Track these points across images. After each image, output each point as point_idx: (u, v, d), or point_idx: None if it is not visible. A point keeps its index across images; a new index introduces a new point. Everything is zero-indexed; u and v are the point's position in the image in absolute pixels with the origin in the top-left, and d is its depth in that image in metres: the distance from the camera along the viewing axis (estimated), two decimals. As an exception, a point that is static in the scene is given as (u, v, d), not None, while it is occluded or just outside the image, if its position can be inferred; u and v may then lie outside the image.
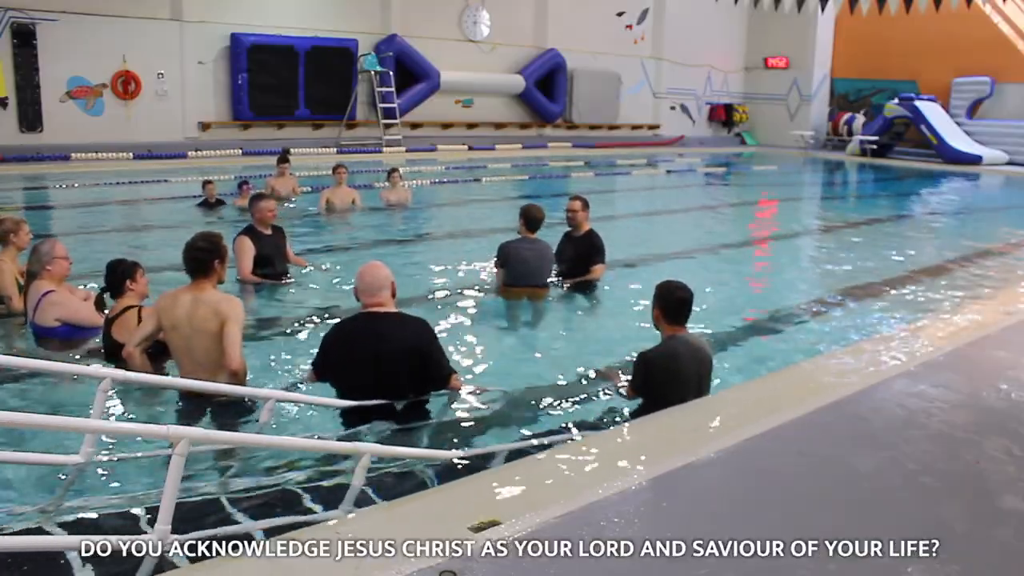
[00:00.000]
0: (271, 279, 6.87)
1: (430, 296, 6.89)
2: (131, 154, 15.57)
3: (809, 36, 26.79)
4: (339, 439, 3.80)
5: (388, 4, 20.12)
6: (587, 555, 2.38)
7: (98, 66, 16.35)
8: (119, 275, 4.70)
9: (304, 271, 7.42)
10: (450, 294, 6.96)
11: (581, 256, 6.88)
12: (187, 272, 4.17)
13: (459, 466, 3.45)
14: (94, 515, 3.09)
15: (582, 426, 4.22)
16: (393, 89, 19.55)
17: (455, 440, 3.94)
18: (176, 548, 2.52)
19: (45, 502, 3.07)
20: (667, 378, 4.00)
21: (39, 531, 2.86)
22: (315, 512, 2.97)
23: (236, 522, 2.96)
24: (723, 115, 28.15)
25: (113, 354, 4.51)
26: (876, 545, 2.52)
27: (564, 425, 4.27)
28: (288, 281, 7.05)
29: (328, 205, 10.78)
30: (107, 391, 2.99)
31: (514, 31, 22.65)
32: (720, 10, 24.24)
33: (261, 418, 3.50)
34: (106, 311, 4.76)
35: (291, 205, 11.33)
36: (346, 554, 2.32)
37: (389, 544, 2.39)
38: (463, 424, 4.16)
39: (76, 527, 2.94)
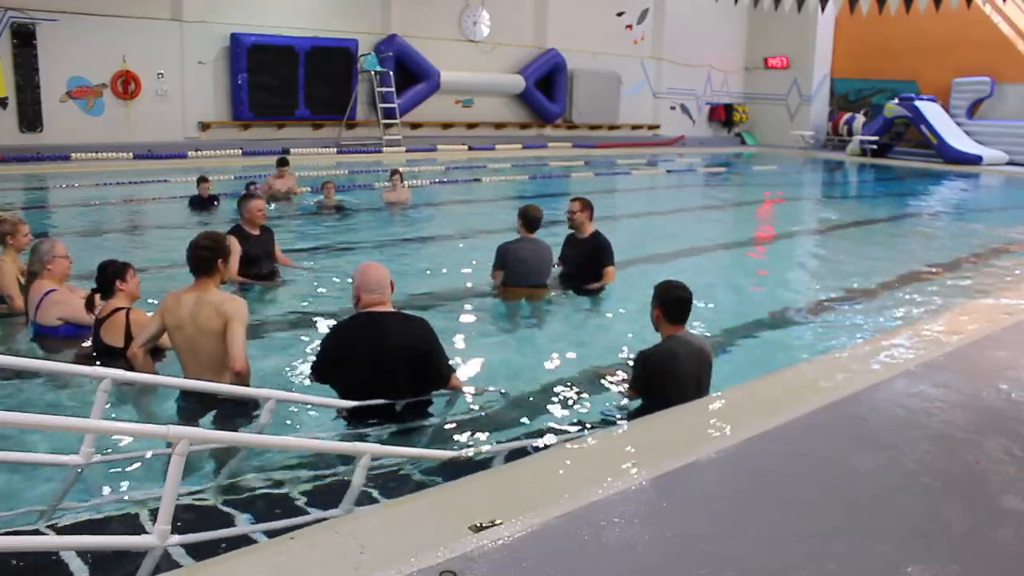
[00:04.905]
0: (258, 280, 6.85)
1: (430, 296, 6.89)
2: (131, 154, 15.57)
3: (809, 36, 26.79)
4: (339, 439, 3.80)
5: (388, 4, 20.12)
6: (587, 555, 2.38)
7: (98, 66, 16.36)
8: (109, 275, 4.69)
9: (293, 271, 7.40)
10: (450, 294, 6.96)
11: (588, 259, 6.80)
12: (191, 271, 4.18)
13: (459, 466, 3.45)
14: (94, 515, 3.09)
15: (582, 426, 4.23)
16: (393, 89, 19.55)
17: (455, 440, 3.94)
18: (176, 548, 2.52)
19: (45, 502, 3.07)
20: (666, 378, 4.00)
21: (39, 531, 2.86)
22: (315, 512, 2.96)
23: (236, 522, 2.96)
24: (723, 115, 28.15)
25: (104, 356, 4.50)
26: (876, 545, 2.52)
27: (564, 425, 4.27)
28: (276, 282, 7.03)
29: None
30: (107, 391, 2.99)
31: (514, 31, 22.65)
32: (720, 10, 24.24)
33: (261, 418, 3.50)
34: (95, 312, 4.74)
35: (298, 201, 11.43)
36: (346, 554, 2.32)
37: (389, 544, 2.40)
38: (463, 424, 4.16)
39: (76, 527, 2.94)
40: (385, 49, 19.82)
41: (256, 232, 6.97)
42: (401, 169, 12.79)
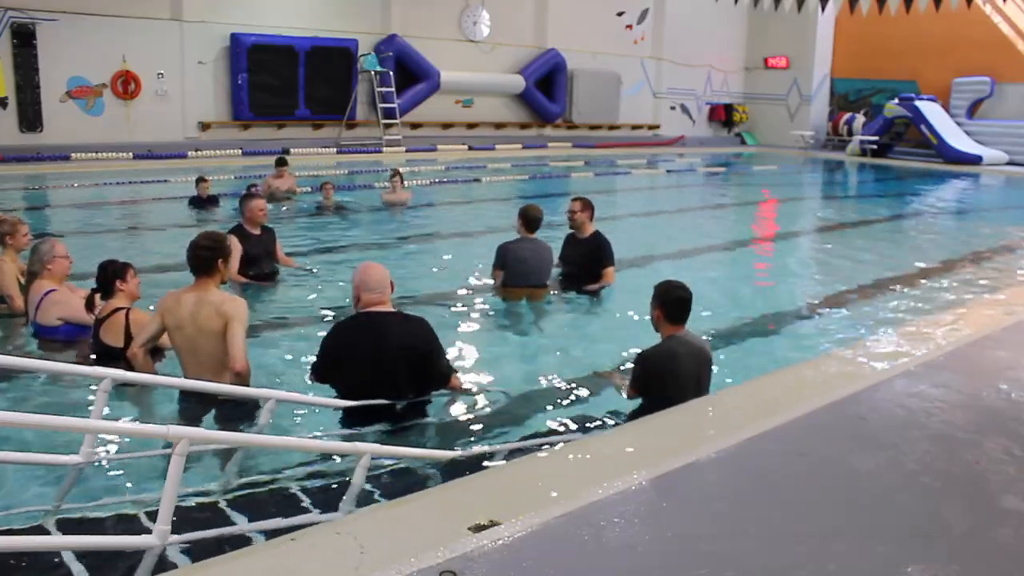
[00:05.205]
0: (258, 280, 6.84)
1: (430, 296, 6.89)
2: (131, 154, 15.57)
3: (809, 36, 26.79)
4: (339, 439, 3.80)
5: (388, 4, 20.12)
6: (587, 555, 2.38)
7: (98, 66, 16.36)
8: (109, 275, 4.68)
9: (293, 271, 7.40)
10: (450, 294, 6.96)
11: (588, 259, 6.80)
12: (191, 271, 4.18)
13: (459, 466, 3.45)
14: (94, 515, 3.09)
15: (582, 426, 4.23)
16: (393, 89, 19.55)
17: (455, 440, 3.94)
18: (176, 548, 2.52)
19: (45, 502, 3.07)
20: (666, 378, 3.99)
21: (39, 531, 2.86)
22: (315, 512, 2.97)
23: (236, 522, 2.96)
24: (723, 115, 28.15)
25: (104, 356, 4.50)
26: (876, 545, 2.52)
27: (564, 425, 4.27)
28: (277, 282, 7.03)
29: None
30: (107, 391, 2.99)
31: (514, 31, 22.65)
32: (720, 10, 24.24)
33: (261, 418, 3.51)
34: (95, 312, 4.74)
35: (298, 201, 11.43)
36: (346, 554, 2.32)
37: (389, 544, 2.40)
38: (463, 424, 4.16)
39: (76, 527, 2.94)
40: (385, 49, 19.82)
41: (257, 232, 6.97)
42: (401, 170, 12.79)
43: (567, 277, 6.91)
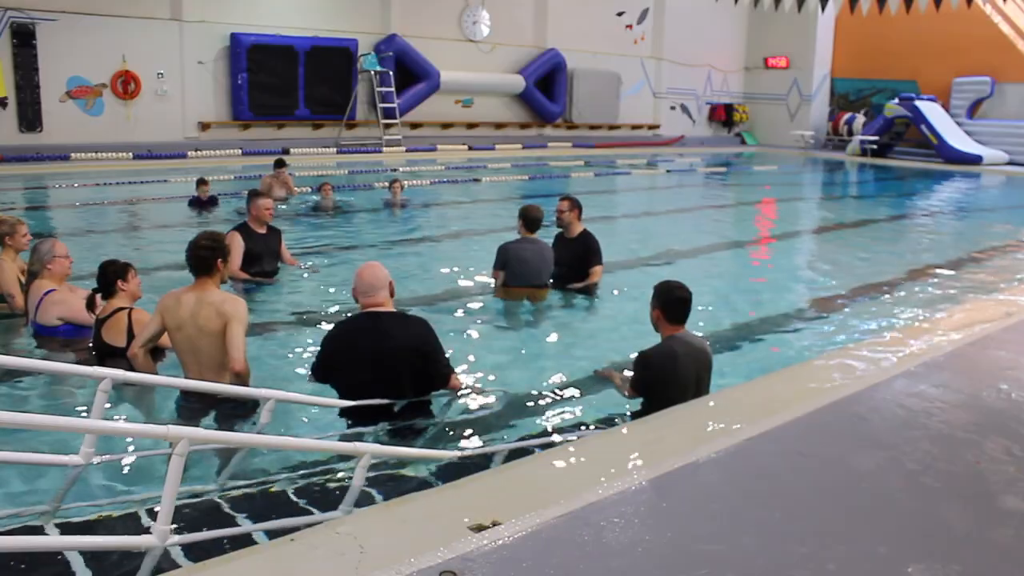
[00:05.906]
0: (259, 278, 6.85)
1: (430, 296, 6.89)
2: (131, 154, 15.56)
3: (809, 36, 26.80)
4: (339, 439, 3.80)
5: (388, 4, 20.11)
6: (587, 555, 2.38)
7: (98, 66, 16.35)
8: (110, 275, 4.69)
9: (293, 271, 7.40)
10: (450, 294, 6.96)
11: (577, 259, 6.80)
12: (191, 271, 4.18)
13: (459, 466, 3.45)
14: (94, 515, 3.09)
15: (582, 426, 4.22)
16: (393, 89, 19.54)
17: (455, 440, 3.94)
18: (176, 548, 2.52)
19: (45, 502, 3.07)
20: (666, 378, 4.00)
21: (39, 531, 2.86)
22: (315, 512, 2.97)
23: (236, 522, 2.96)
24: (723, 115, 28.15)
25: (104, 356, 4.50)
26: (876, 545, 2.52)
27: (564, 425, 4.27)
28: (277, 281, 7.04)
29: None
30: (107, 391, 2.99)
31: (514, 31, 22.65)
32: (720, 10, 24.26)
33: (261, 418, 3.50)
34: (95, 312, 4.74)
35: (286, 205, 11.41)
36: (346, 554, 2.32)
37: (389, 544, 2.40)
38: (463, 424, 4.16)
39: (76, 527, 2.94)
40: (385, 49, 19.81)
41: (262, 231, 6.99)
42: (400, 176, 12.81)
43: (557, 277, 6.90)
